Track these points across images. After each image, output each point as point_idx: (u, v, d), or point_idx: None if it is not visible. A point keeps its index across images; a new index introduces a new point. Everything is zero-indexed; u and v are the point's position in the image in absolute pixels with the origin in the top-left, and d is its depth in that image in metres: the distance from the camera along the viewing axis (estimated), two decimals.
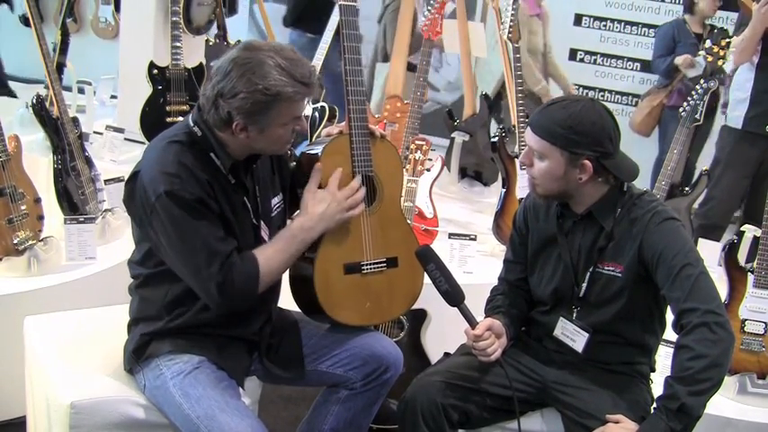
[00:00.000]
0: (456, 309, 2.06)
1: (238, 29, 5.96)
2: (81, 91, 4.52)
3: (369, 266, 2.20)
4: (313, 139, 3.87)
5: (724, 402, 2.55)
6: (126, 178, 1.98)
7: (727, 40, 3.14)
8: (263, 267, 1.96)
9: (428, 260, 2.08)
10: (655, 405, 1.89)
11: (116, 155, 3.90)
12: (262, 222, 2.08)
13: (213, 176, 1.94)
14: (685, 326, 1.86)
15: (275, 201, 2.15)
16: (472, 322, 2.06)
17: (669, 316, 2.05)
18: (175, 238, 1.89)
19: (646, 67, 5.91)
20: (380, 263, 2.22)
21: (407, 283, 2.28)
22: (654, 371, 2.18)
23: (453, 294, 2.05)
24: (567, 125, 1.96)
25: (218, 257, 1.89)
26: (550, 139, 1.98)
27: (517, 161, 3.42)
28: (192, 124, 1.97)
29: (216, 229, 1.91)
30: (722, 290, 2.40)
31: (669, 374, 1.87)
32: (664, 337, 2.19)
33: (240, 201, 2.02)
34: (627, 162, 2.06)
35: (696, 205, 3.68)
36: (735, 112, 4.01)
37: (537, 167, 2.03)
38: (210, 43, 4.55)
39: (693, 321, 1.84)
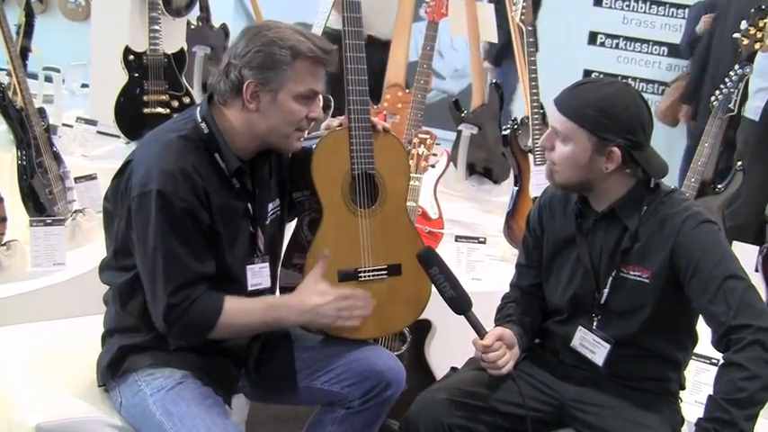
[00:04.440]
0: (462, 317, 2.06)
1: (223, 11, 5.98)
2: (48, 79, 4.53)
3: (367, 274, 2.21)
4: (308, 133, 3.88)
5: (761, 423, 2.54)
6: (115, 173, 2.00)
7: (765, 20, 3.14)
8: (224, 317, 1.96)
9: (431, 263, 2.09)
10: (702, 426, 1.85)
11: (87, 150, 3.90)
12: (258, 230, 2.09)
13: (215, 181, 1.96)
14: (736, 342, 1.86)
15: (271, 206, 2.16)
16: (480, 332, 2.06)
17: (701, 328, 2.06)
18: (147, 239, 1.90)
19: (673, 51, 5.91)
20: (380, 270, 2.23)
21: (412, 292, 2.29)
22: (683, 388, 2.19)
23: (459, 301, 2.06)
24: (599, 107, 1.97)
25: (181, 277, 1.91)
26: (579, 120, 1.99)
27: (530, 156, 3.43)
28: (199, 119, 1.99)
29: (195, 246, 1.93)
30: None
31: (716, 394, 1.86)
32: (695, 351, 2.19)
33: (243, 207, 2.04)
34: (657, 157, 2.07)
35: None
36: (754, 103, 4.02)
37: (559, 152, 2.04)
38: (192, 26, 4.56)
39: (747, 338, 1.84)
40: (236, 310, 1.98)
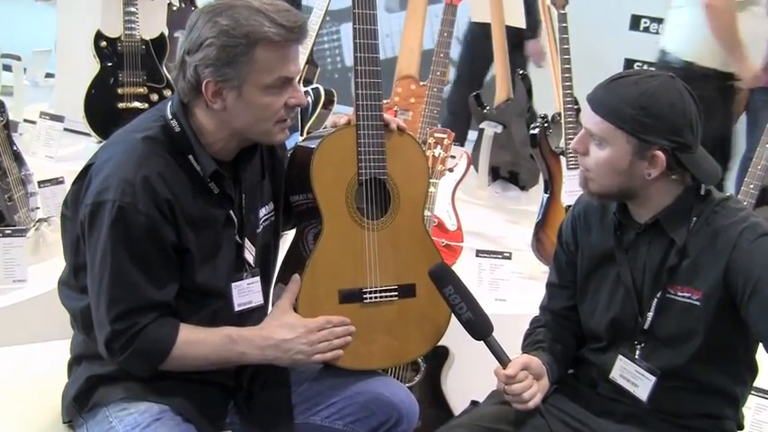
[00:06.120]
0: (482, 343, 2.06)
1: None
2: (7, 68, 4.55)
3: (373, 295, 2.21)
4: (306, 130, 3.89)
5: None
6: (75, 177, 2.01)
7: None
8: (178, 348, 1.96)
9: (444, 281, 2.08)
10: None
11: (53, 149, 3.92)
12: (246, 240, 2.10)
13: (187, 188, 1.96)
14: None
15: (263, 212, 2.17)
16: (503, 360, 2.06)
17: (761, 357, 2.06)
18: (96, 254, 1.90)
19: None
20: (390, 291, 2.23)
21: (428, 316, 2.29)
22: (742, 428, 2.18)
23: (477, 324, 2.06)
24: (639, 105, 1.97)
25: (129, 302, 1.91)
26: (616, 120, 1.99)
27: (563, 159, 3.43)
28: (169, 116, 1.99)
29: (151, 268, 1.93)
30: None
31: None
32: (755, 384, 2.19)
33: (224, 215, 2.04)
34: (707, 160, 2.06)
35: None
36: None
37: (594, 157, 2.04)
38: (174, 8, 4.58)
39: None
40: (192, 342, 1.97)
